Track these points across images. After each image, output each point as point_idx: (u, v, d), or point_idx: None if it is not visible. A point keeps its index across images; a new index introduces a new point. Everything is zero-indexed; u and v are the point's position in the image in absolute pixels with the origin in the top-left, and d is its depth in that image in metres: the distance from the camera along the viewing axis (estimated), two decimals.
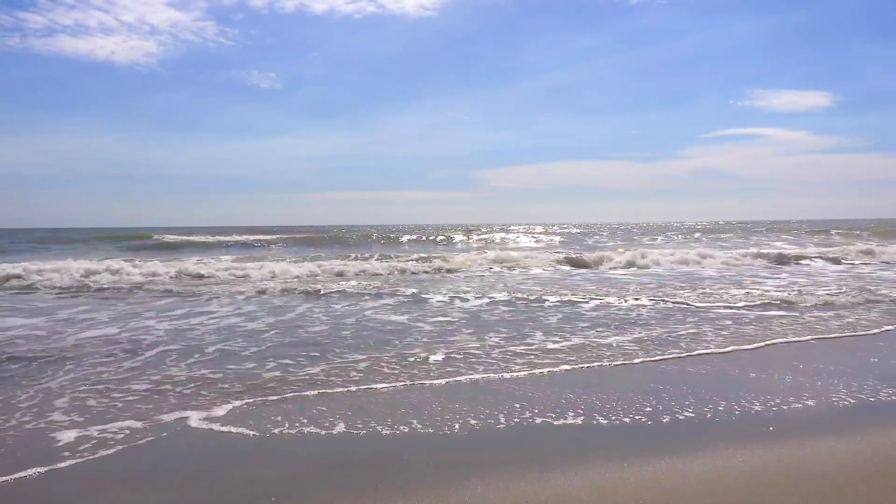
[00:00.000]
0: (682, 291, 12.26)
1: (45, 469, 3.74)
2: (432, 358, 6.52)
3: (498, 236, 45.77)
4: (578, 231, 61.30)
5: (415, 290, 12.74)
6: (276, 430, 4.37)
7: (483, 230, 58.18)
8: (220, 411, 4.79)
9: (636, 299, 11.02)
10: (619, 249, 23.18)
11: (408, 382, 5.59)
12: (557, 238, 43.63)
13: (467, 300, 11.26)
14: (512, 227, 71.77)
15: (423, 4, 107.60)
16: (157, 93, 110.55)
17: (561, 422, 4.51)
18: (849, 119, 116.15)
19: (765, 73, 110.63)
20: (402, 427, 4.42)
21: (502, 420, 4.55)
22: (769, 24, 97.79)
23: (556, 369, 6.03)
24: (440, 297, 11.61)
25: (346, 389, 5.38)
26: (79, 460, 3.88)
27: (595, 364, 6.24)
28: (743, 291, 11.96)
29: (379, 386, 5.49)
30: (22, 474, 3.66)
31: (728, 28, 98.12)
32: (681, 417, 4.56)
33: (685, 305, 10.27)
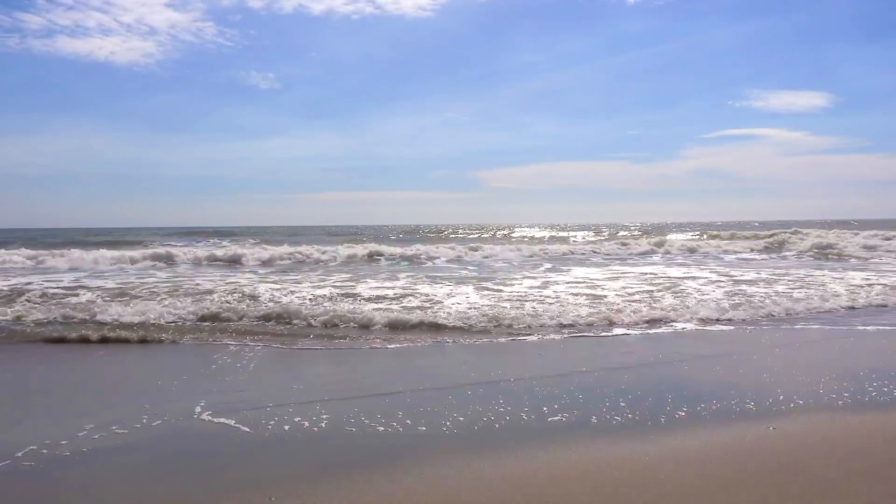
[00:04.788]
0: None
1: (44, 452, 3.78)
2: None
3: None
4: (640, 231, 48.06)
5: None
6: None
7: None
8: None
9: None
10: None
11: None
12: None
13: None
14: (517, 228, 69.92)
15: (421, 6, 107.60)
16: (157, 93, 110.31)
17: (552, 419, 4.52)
18: (848, 119, 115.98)
19: (763, 74, 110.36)
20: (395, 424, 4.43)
21: (499, 416, 4.56)
22: (767, 25, 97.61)
23: None
24: None
25: None
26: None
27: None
28: None
29: None
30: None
31: (726, 29, 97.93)
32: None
33: None
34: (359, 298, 11.39)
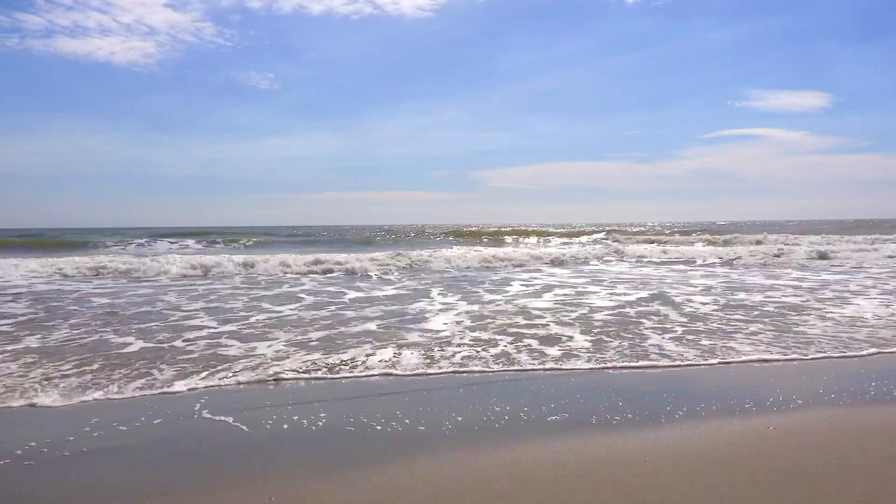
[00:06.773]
0: None
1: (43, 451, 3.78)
2: None
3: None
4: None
5: None
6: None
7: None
8: None
9: None
10: None
11: None
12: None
13: None
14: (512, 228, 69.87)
15: (420, 6, 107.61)
16: (156, 93, 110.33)
17: (553, 418, 4.52)
18: (848, 119, 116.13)
19: (762, 74, 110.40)
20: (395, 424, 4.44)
21: (499, 416, 4.56)
22: (766, 25, 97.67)
23: None
24: None
25: None
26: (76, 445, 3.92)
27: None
28: None
29: None
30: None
31: (725, 30, 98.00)
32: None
33: None
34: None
